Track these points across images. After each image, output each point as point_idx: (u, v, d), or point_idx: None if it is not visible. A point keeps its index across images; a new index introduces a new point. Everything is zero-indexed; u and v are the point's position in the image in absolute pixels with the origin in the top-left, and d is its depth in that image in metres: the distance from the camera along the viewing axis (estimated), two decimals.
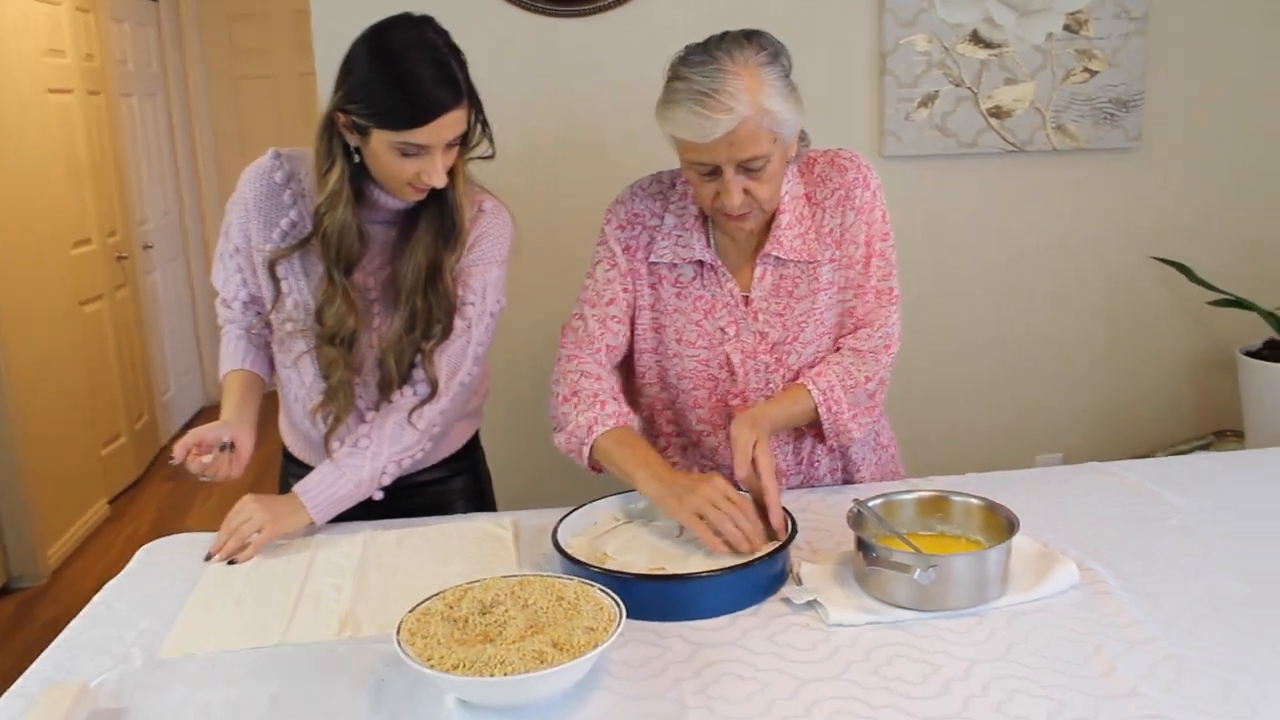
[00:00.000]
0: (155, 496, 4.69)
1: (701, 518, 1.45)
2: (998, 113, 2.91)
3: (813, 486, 1.82)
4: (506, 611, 1.26)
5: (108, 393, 4.50)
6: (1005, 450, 3.06)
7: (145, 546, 1.69)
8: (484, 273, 1.74)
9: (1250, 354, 2.92)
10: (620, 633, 1.19)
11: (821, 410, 1.64)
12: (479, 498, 2.00)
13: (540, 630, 1.23)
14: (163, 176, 5.46)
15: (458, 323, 1.72)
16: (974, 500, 1.45)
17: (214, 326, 1.97)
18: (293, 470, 1.89)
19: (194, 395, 5.76)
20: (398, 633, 1.21)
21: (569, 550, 1.45)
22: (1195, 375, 3.16)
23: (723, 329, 1.72)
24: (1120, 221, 3.04)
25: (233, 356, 1.82)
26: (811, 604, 1.36)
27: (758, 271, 1.70)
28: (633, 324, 1.77)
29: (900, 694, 1.17)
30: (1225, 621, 1.29)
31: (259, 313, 1.79)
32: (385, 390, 1.75)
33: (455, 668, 1.14)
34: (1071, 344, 3.11)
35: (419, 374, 1.72)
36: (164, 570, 1.59)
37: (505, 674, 1.11)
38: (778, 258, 1.68)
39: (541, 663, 1.14)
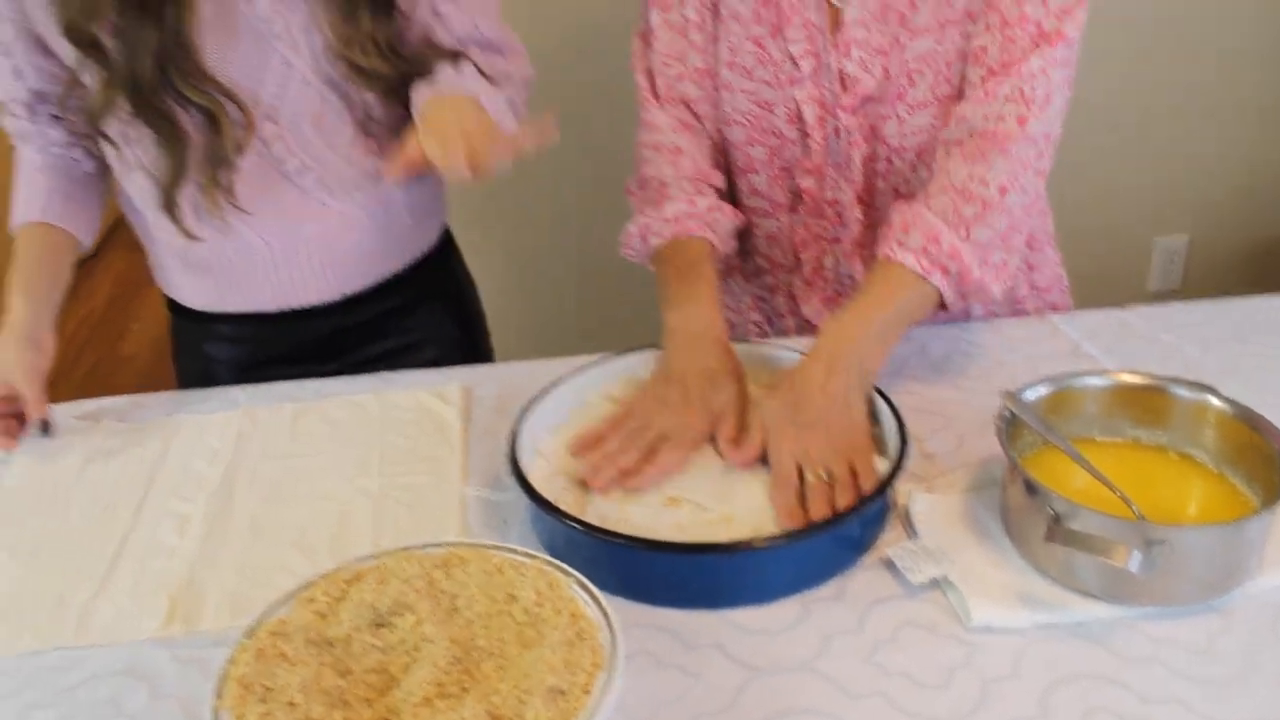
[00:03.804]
0: (113, 267, 4.15)
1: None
2: None
3: None
4: (418, 627, 0.73)
5: None
6: (1113, 232, 2.44)
7: None
8: None
9: None
10: (612, 700, 0.65)
11: (937, 283, 0.98)
12: (465, 325, 1.42)
13: (472, 674, 0.70)
14: None
15: None
16: (1215, 401, 0.87)
17: None
18: (185, 329, 1.32)
19: None
20: (219, 689, 0.68)
21: (535, 479, 0.90)
22: None
23: (795, 59, 1.11)
24: None
25: (27, 198, 1.17)
26: (937, 583, 0.82)
27: None
28: None
29: None
30: None
31: (56, 116, 1.14)
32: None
33: None
34: (1207, 94, 2.42)
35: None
36: None
37: None
38: None
39: None
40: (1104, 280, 2.40)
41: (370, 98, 1.15)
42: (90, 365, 3.19)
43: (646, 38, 1.19)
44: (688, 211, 1.12)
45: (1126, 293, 1.26)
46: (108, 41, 1.03)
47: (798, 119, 1.14)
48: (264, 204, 1.16)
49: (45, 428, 1.09)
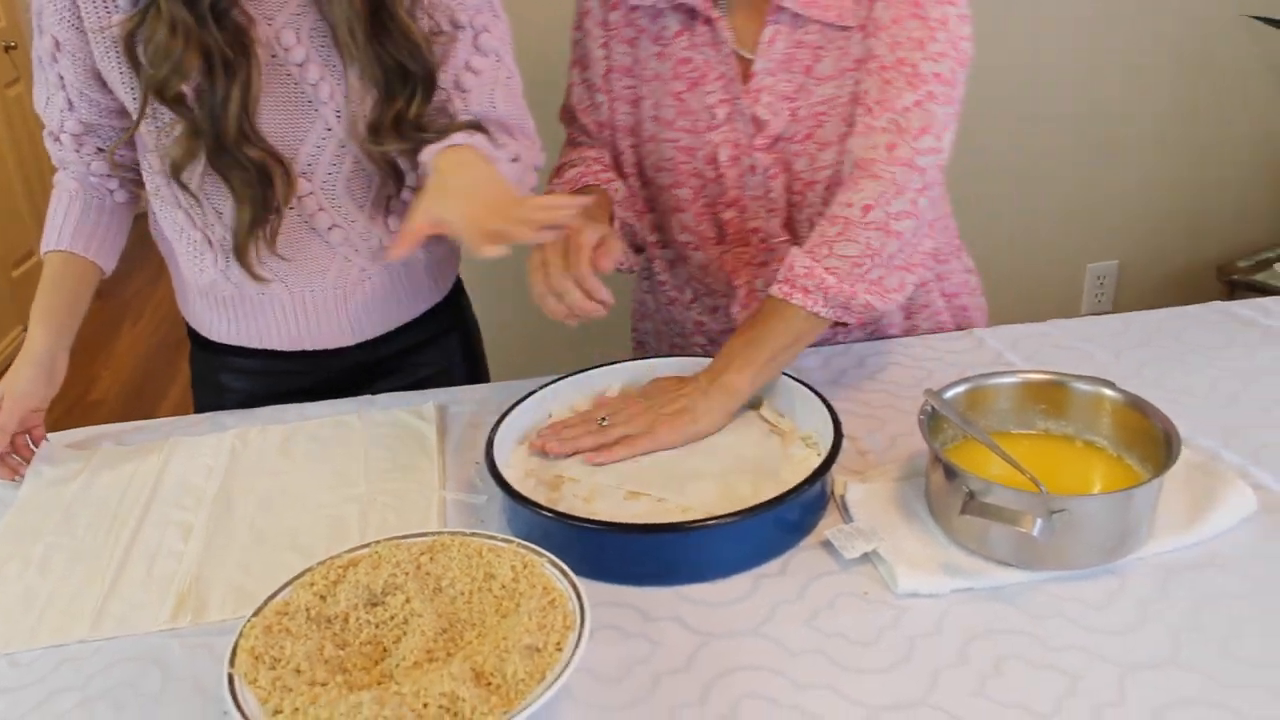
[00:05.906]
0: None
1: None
2: None
3: (837, 342, 1.35)
4: (407, 604, 0.82)
5: (9, 207, 3.94)
6: (1047, 259, 2.58)
7: None
8: None
9: None
10: (581, 653, 0.75)
11: (798, 303, 1.08)
12: (470, 360, 1.49)
13: (456, 642, 0.79)
14: None
15: (482, 62, 1.19)
16: (1109, 393, 0.99)
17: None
18: (203, 360, 1.39)
19: None
20: (232, 657, 0.77)
21: (509, 475, 0.99)
22: None
23: (711, 109, 1.23)
24: None
25: (58, 226, 1.23)
26: (869, 557, 0.92)
27: (767, 32, 1.18)
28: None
29: None
30: None
31: (101, 149, 1.22)
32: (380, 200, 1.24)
33: None
34: (1132, 126, 2.58)
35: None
36: None
37: None
38: (795, 14, 1.17)
39: (453, 718, 0.70)
40: (1038, 304, 2.53)
41: (401, 165, 1.21)
42: (63, 410, 3.24)
43: (570, 88, 1.35)
44: (584, 172, 1.28)
45: (1060, 316, 1.37)
46: (190, 98, 1.10)
47: (713, 160, 1.25)
48: (289, 254, 1.23)
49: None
